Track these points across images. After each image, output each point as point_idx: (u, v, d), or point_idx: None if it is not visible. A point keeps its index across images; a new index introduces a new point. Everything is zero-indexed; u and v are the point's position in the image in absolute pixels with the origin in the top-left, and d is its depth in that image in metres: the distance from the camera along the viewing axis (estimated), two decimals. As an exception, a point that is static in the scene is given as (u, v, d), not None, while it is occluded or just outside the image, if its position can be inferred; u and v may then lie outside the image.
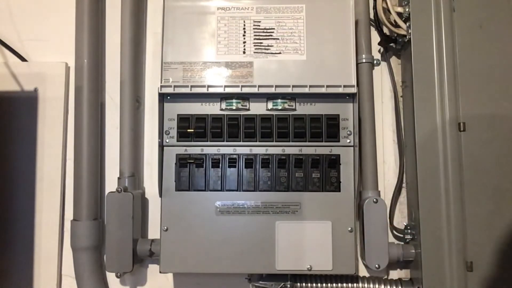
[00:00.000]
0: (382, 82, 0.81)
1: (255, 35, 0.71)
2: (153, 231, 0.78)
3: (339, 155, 0.70)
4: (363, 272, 0.76)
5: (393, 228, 0.76)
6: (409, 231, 0.73)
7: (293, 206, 0.69)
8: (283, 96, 0.71)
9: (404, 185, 0.78)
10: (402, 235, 0.74)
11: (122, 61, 0.77)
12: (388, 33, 0.78)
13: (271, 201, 0.69)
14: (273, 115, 0.71)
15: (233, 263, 0.68)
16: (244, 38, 0.71)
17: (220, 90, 0.69)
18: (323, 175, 0.70)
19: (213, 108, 0.71)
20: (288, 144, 0.70)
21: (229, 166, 0.70)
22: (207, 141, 0.71)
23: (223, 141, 0.71)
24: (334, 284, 0.70)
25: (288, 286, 0.69)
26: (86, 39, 0.75)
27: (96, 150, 0.75)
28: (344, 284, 0.71)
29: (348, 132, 0.70)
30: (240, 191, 0.70)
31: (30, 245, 0.77)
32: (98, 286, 0.75)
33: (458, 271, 0.66)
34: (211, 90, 0.69)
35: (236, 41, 0.71)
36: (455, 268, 0.66)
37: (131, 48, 0.76)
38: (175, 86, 0.69)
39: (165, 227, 0.69)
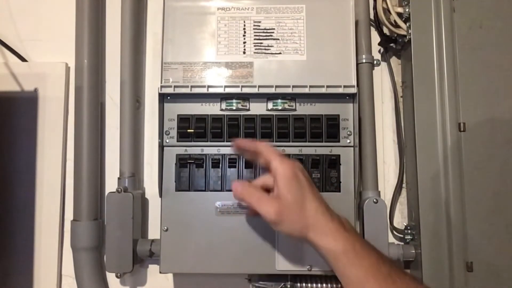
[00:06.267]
0: (382, 82, 0.81)
1: (255, 36, 0.71)
2: (153, 231, 0.78)
3: (339, 155, 0.70)
4: (363, 272, 0.76)
5: (393, 228, 0.76)
6: (409, 231, 0.73)
7: (293, 206, 0.69)
8: (283, 96, 0.70)
9: (404, 185, 0.78)
10: (402, 236, 0.74)
11: (122, 61, 0.76)
12: (388, 33, 0.78)
13: (271, 201, 0.69)
14: (273, 115, 0.71)
15: (233, 264, 0.68)
16: (244, 39, 0.71)
17: (220, 90, 0.69)
18: (323, 175, 0.70)
19: (213, 108, 0.71)
20: (288, 144, 0.70)
21: (229, 166, 0.70)
22: (207, 141, 0.70)
23: (223, 141, 0.70)
24: (334, 285, 0.70)
25: (288, 286, 0.69)
26: (86, 39, 0.75)
27: (96, 150, 0.75)
28: (344, 284, 0.71)
29: (348, 132, 0.70)
30: (240, 191, 0.70)
31: (30, 245, 0.77)
32: (98, 286, 0.74)
33: (458, 272, 0.66)
34: (211, 90, 0.69)
35: (236, 41, 0.71)
36: (455, 268, 0.66)
37: (131, 48, 0.76)
38: (175, 87, 0.69)
39: (165, 228, 0.69)
